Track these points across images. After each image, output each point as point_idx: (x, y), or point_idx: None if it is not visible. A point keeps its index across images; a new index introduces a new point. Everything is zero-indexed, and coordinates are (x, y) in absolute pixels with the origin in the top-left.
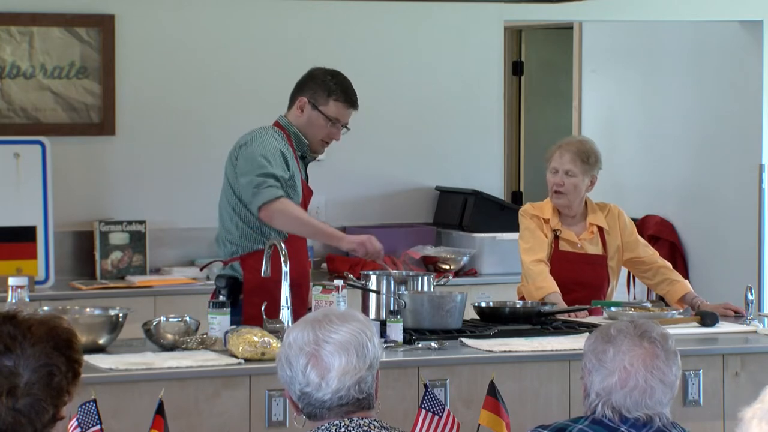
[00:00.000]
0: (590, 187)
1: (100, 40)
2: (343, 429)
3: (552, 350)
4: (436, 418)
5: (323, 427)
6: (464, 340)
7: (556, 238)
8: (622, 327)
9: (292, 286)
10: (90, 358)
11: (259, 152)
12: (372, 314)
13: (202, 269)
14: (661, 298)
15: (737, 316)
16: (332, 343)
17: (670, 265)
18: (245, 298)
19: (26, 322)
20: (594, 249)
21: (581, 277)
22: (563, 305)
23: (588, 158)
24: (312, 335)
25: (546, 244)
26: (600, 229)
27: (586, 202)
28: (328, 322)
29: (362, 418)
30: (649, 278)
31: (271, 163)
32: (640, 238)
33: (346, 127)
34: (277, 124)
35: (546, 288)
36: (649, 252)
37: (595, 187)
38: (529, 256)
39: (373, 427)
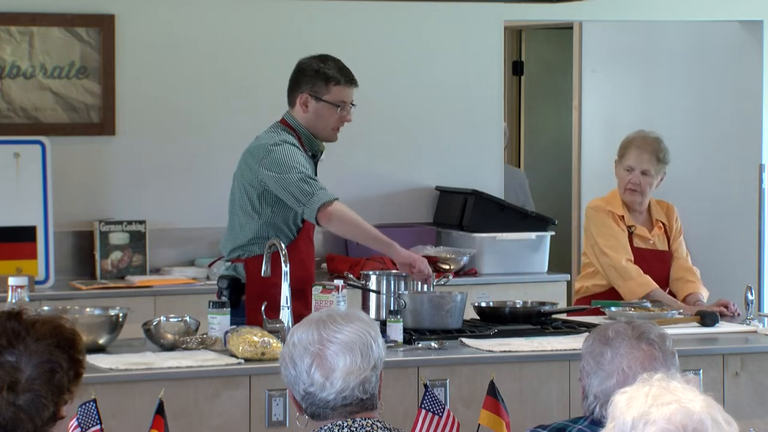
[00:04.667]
0: (659, 183)
1: (100, 40)
2: (346, 429)
3: (552, 350)
4: (436, 418)
5: (326, 428)
6: (464, 340)
7: (630, 234)
8: (619, 329)
9: (298, 290)
10: (90, 358)
11: (293, 157)
12: (372, 314)
13: (210, 265)
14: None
15: (733, 315)
16: (337, 343)
17: (697, 271)
18: (248, 301)
19: (30, 320)
20: (663, 245)
21: (654, 274)
22: (668, 300)
23: (664, 157)
24: (316, 335)
25: (626, 240)
26: (663, 225)
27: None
28: (332, 322)
29: (365, 419)
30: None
31: (306, 167)
32: (682, 241)
33: (352, 104)
34: (285, 122)
35: (649, 284)
36: (683, 253)
37: (594, 186)
38: (620, 254)
39: (376, 428)
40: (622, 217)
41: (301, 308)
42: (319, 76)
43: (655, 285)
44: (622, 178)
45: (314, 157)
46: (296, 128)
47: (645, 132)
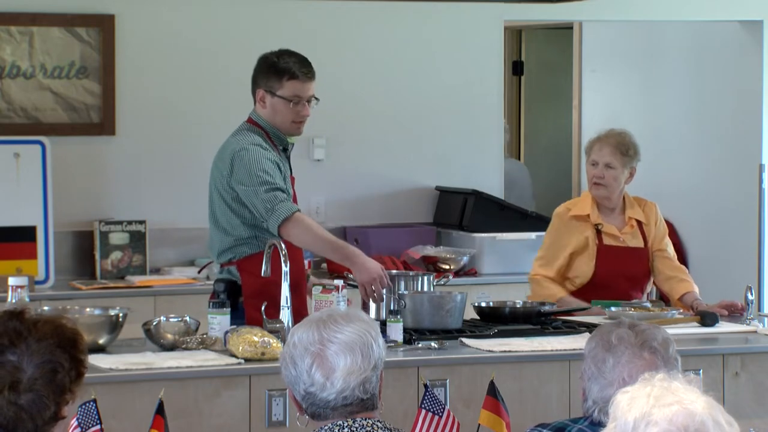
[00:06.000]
0: (629, 179)
1: (100, 40)
2: (346, 429)
3: (552, 350)
4: (436, 418)
5: (326, 428)
6: (464, 340)
7: (599, 232)
8: (623, 335)
9: (292, 285)
10: (90, 358)
11: (258, 165)
12: (372, 314)
13: (200, 271)
14: (661, 298)
15: (733, 314)
16: (337, 343)
17: (686, 270)
18: (246, 302)
19: (33, 319)
20: (635, 242)
21: (626, 271)
22: (575, 305)
23: (627, 150)
24: (317, 335)
25: (566, 252)
26: (639, 222)
27: (624, 197)
28: (333, 322)
29: (365, 419)
30: (664, 269)
31: (272, 175)
32: (667, 241)
33: (315, 98)
34: (252, 121)
35: (554, 295)
36: (671, 252)
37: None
38: (542, 270)
39: (376, 428)
40: (588, 216)
41: (298, 304)
42: (272, 70)
43: (560, 294)
44: (588, 173)
45: (285, 150)
46: (262, 125)
47: (614, 129)
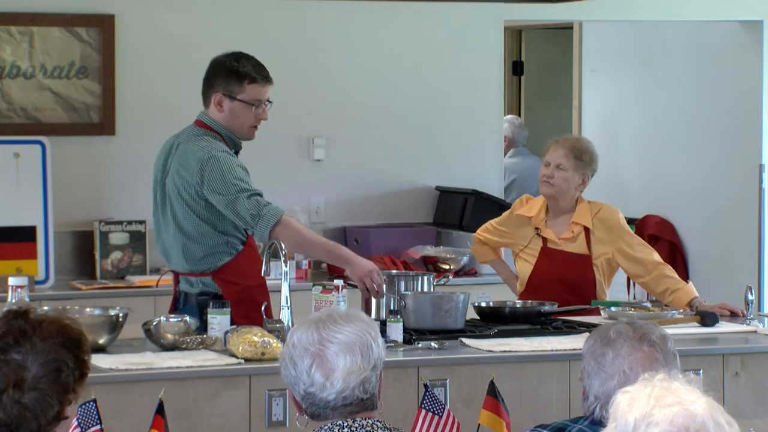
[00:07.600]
0: (581, 186)
1: (100, 40)
2: (346, 429)
3: (552, 350)
4: (436, 418)
5: (326, 427)
6: (464, 340)
7: (542, 237)
8: (621, 330)
9: (246, 302)
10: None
11: (231, 173)
12: (372, 314)
13: (157, 284)
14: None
15: (733, 315)
16: (337, 343)
17: (669, 269)
18: (232, 310)
19: (37, 319)
20: (577, 248)
21: (563, 276)
22: (505, 275)
23: (581, 155)
24: (316, 335)
25: (501, 237)
26: (586, 229)
27: (577, 203)
28: (332, 323)
29: (365, 419)
30: (651, 287)
31: (246, 181)
32: (634, 244)
33: (269, 101)
34: (202, 124)
35: (484, 256)
36: (650, 257)
37: (594, 186)
38: (479, 234)
39: (376, 428)
40: (531, 218)
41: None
42: (233, 74)
43: (486, 260)
44: (540, 172)
45: (236, 153)
46: (216, 129)
47: (574, 134)
